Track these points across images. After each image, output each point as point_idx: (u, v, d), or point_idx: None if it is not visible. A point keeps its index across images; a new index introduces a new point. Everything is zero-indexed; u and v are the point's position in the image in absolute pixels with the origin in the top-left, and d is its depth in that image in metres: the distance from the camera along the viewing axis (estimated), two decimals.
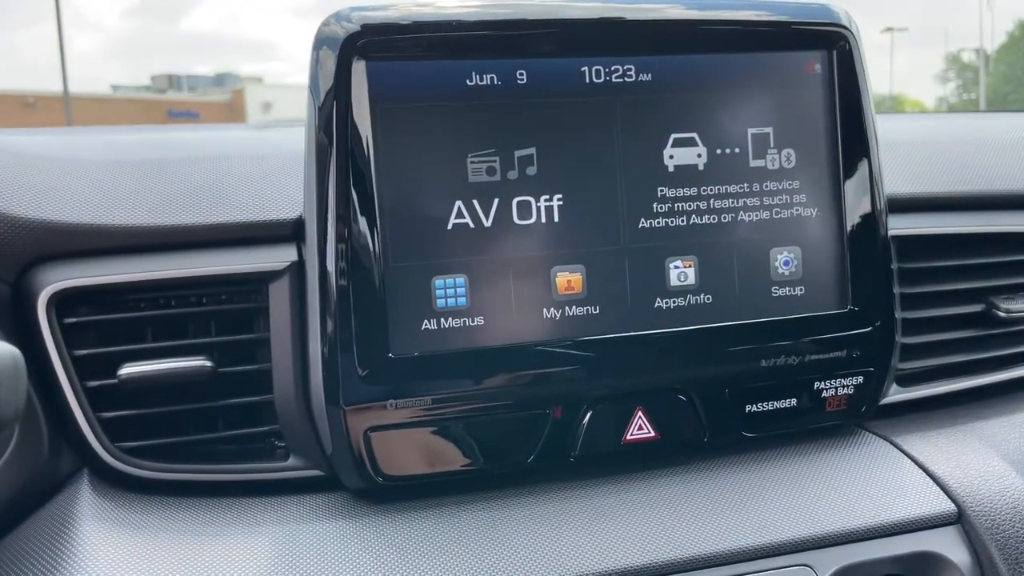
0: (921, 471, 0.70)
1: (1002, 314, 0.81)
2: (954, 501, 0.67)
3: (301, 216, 0.66)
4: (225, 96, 34.12)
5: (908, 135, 0.92)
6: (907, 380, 0.79)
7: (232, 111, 31.81)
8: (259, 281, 0.66)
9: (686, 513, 0.64)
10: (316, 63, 0.61)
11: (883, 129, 0.81)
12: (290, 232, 0.68)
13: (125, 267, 0.65)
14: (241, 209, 0.68)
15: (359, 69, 0.61)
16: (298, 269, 0.66)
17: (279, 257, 0.67)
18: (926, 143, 0.90)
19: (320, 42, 0.61)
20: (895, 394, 0.77)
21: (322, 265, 0.61)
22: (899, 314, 0.77)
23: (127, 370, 0.63)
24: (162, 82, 40.80)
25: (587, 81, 0.66)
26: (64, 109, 18.25)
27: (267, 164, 0.73)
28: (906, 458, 0.71)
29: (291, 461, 0.66)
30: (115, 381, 0.63)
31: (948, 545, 0.66)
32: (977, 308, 0.82)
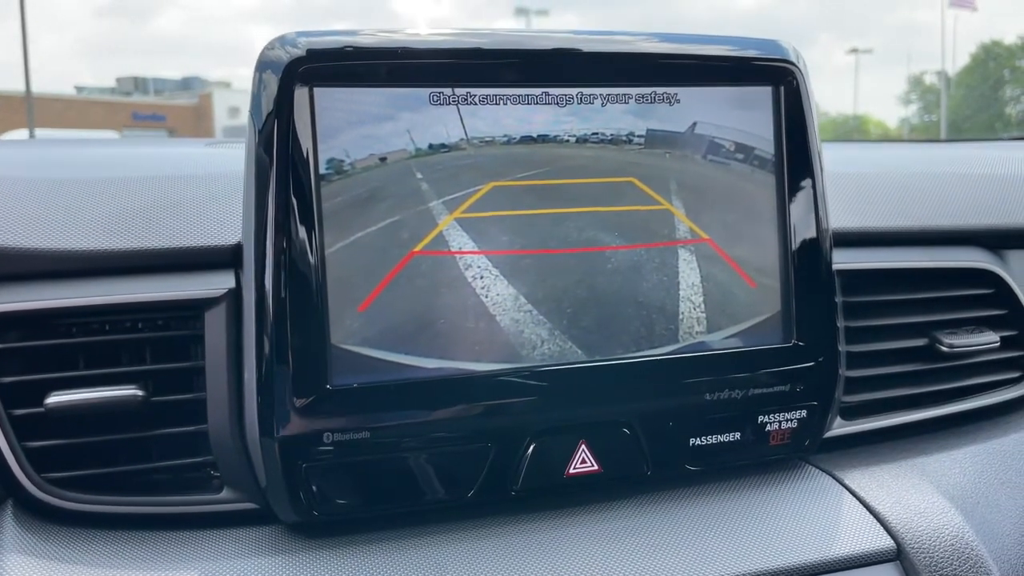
0: (862, 506, 0.70)
1: (945, 348, 0.81)
2: (893, 537, 0.67)
3: (240, 242, 0.64)
4: (192, 100, 33.79)
5: (856, 167, 0.93)
6: (851, 413, 0.79)
7: (199, 115, 31.50)
8: (194, 308, 0.65)
9: (626, 548, 0.63)
10: (258, 86, 0.60)
11: (832, 160, 0.82)
12: (228, 258, 0.66)
13: (55, 292, 0.63)
14: (179, 234, 0.67)
15: (302, 95, 0.59)
16: (235, 296, 0.65)
17: (216, 284, 0.65)
18: (873, 176, 0.91)
19: (263, 65, 0.60)
20: (839, 427, 0.78)
21: (259, 293, 0.59)
22: (843, 347, 0.78)
23: (55, 399, 0.61)
24: (128, 84, 40.29)
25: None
26: (26, 109, 17.93)
27: (209, 186, 0.71)
28: (847, 493, 0.71)
29: (225, 493, 0.64)
30: (42, 410, 0.61)
31: None
32: (921, 342, 0.82)
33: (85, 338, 0.64)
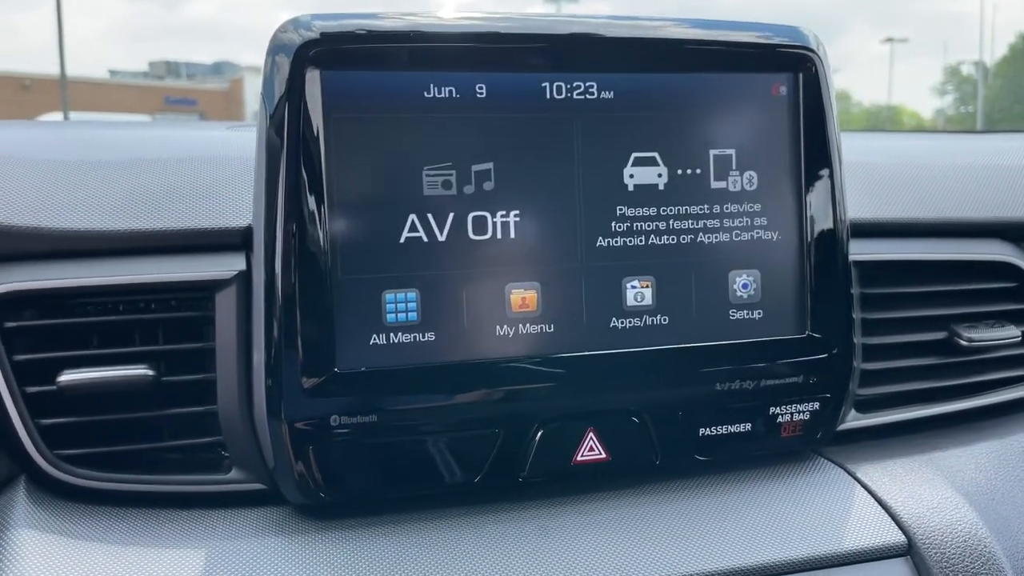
0: (873, 500, 0.69)
1: (964, 343, 0.80)
2: (905, 532, 0.67)
3: (251, 224, 0.65)
4: (224, 85, 34.02)
5: (879, 157, 0.92)
6: (866, 406, 0.78)
7: (230, 100, 31.72)
8: (206, 290, 0.65)
9: (631, 538, 0.63)
10: (270, 69, 0.60)
11: (856, 150, 0.80)
12: (239, 240, 0.67)
13: (69, 272, 0.64)
14: (193, 215, 0.67)
15: (313, 78, 0.59)
16: (246, 279, 0.65)
17: (227, 266, 0.66)
18: (896, 166, 0.89)
19: (275, 48, 0.60)
20: (853, 420, 0.77)
21: (268, 275, 0.60)
22: (860, 340, 0.77)
23: (67, 377, 0.62)
24: (160, 68, 40.63)
25: (548, 97, 0.65)
26: (60, 92, 18.16)
27: (223, 169, 0.72)
28: (859, 486, 0.70)
29: (234, 474, 0.65)
30: (55, 388, 0.62)
31: None
32: (939, 336, 0.81)
33: (97, 318, 0.65)
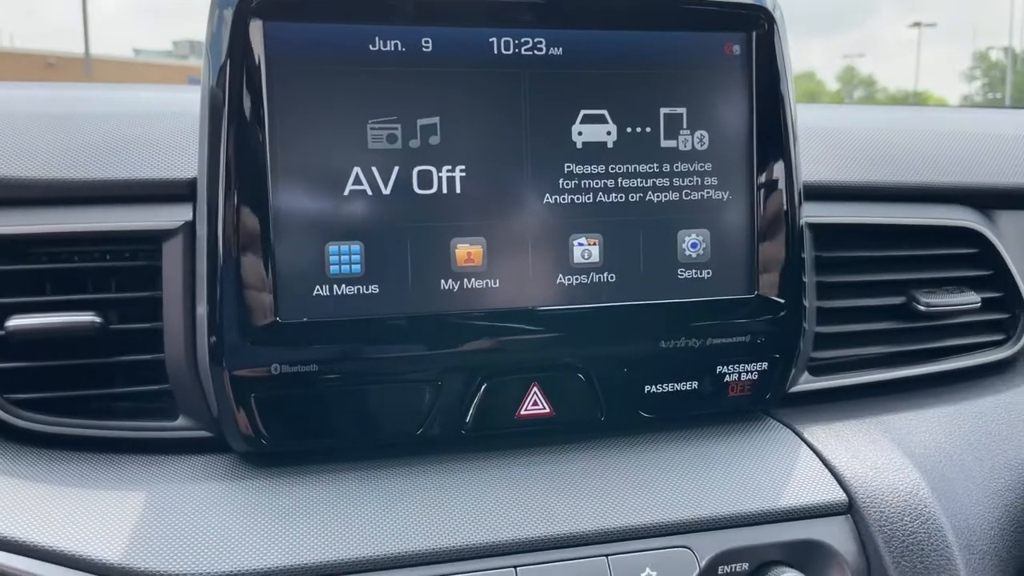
0: (817, 460, 0.69)
1: (922, 308, 0.80)
2: (846, 491, 0.67)
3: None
4: None
5: (850, 124, 0.91)
6: (821, 370, 0.78)
7: None
8: (153, 240, 0.66)
9: (569, 490, 0.64)
10: (215, 20, 0.60)
11: (828, 118, 0.79)
12: (186, 191, 0.68)
13: (17, 219, 0.65)
14: (141, 166, 0.68)
15: (256, 29, 0.60)
16: (192, 229, 0.66)
17: (174, 216, 0.67)
18: (860, 131, 0.88)
19: (220, 1, 0.60)
20: (806, 383, 0.77)
21: (211, 225, 0.60)
22: (812, 302, 0.77)
23: (14, 322, 0.63)
24: (184, 48, 40.73)
25: (495, 52, 0.65)
26: (84, 71, 18.28)
27: (179, 123, 0.72)
28: (804, 446, 0.71)
29: (181, 421, 0.66)
30: (3, 333, 0.63)
31: (835, 535, 0.65)
32: (897, 301, 0.81)
33: (44, 265, 0.66)
